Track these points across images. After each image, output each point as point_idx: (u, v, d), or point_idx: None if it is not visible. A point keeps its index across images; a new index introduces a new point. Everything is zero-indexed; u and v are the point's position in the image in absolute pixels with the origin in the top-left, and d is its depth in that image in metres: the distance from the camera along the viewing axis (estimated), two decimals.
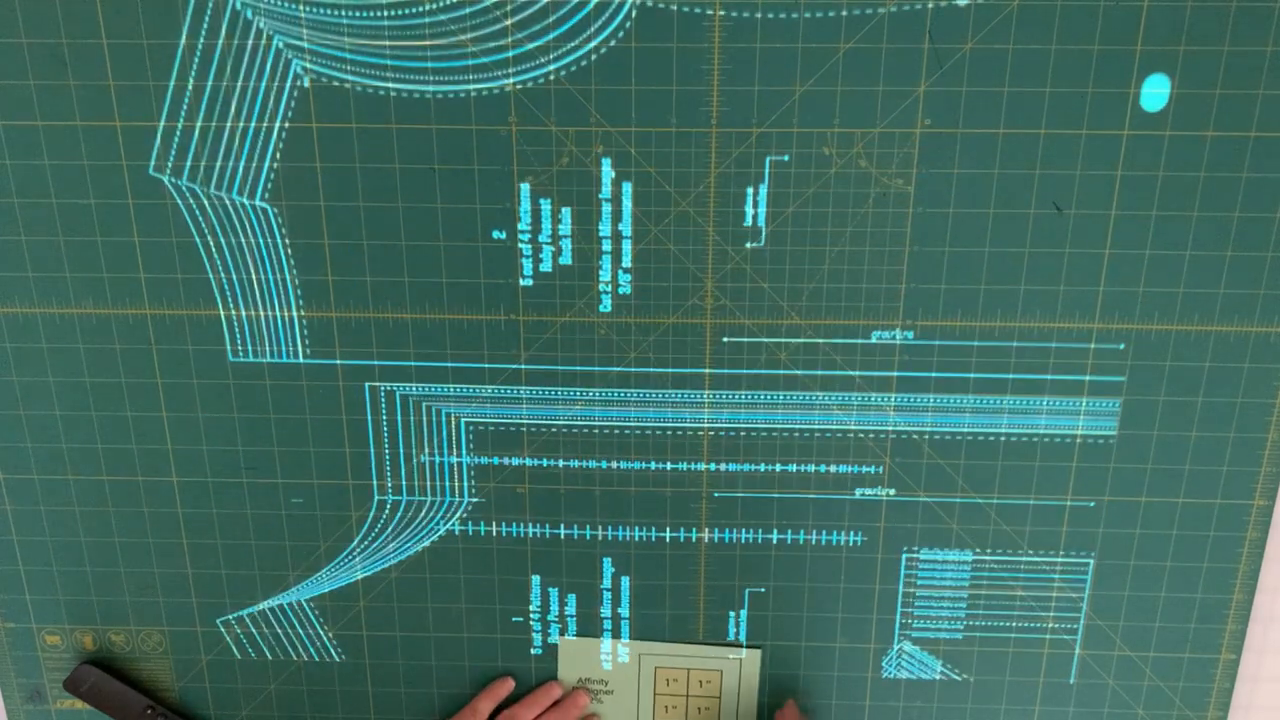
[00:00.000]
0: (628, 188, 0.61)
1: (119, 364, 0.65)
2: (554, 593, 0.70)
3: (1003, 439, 0.65)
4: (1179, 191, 0.59)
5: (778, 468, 0.66)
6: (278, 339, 0.64)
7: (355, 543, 0.69)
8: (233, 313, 0.64)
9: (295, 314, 0.64)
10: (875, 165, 0.60)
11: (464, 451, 0.67)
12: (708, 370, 0.64)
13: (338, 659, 0.72)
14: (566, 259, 0.62)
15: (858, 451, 0.66)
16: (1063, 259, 0.61)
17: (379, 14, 0.58)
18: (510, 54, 0.58)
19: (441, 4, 0.57)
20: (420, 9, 0.58)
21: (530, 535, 0.68)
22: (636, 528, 0.68)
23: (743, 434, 0.65)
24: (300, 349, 0.65)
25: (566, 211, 0.61)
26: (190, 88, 0.59)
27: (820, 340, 0.63)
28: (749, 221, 0.61)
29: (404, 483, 0.67)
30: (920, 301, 0.62)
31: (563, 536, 0.68)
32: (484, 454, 0.67)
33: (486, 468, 0.67)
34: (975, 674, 0.70)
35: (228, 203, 0.62)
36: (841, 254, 0.62)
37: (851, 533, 0.67)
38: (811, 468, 0.66)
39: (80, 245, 0.63)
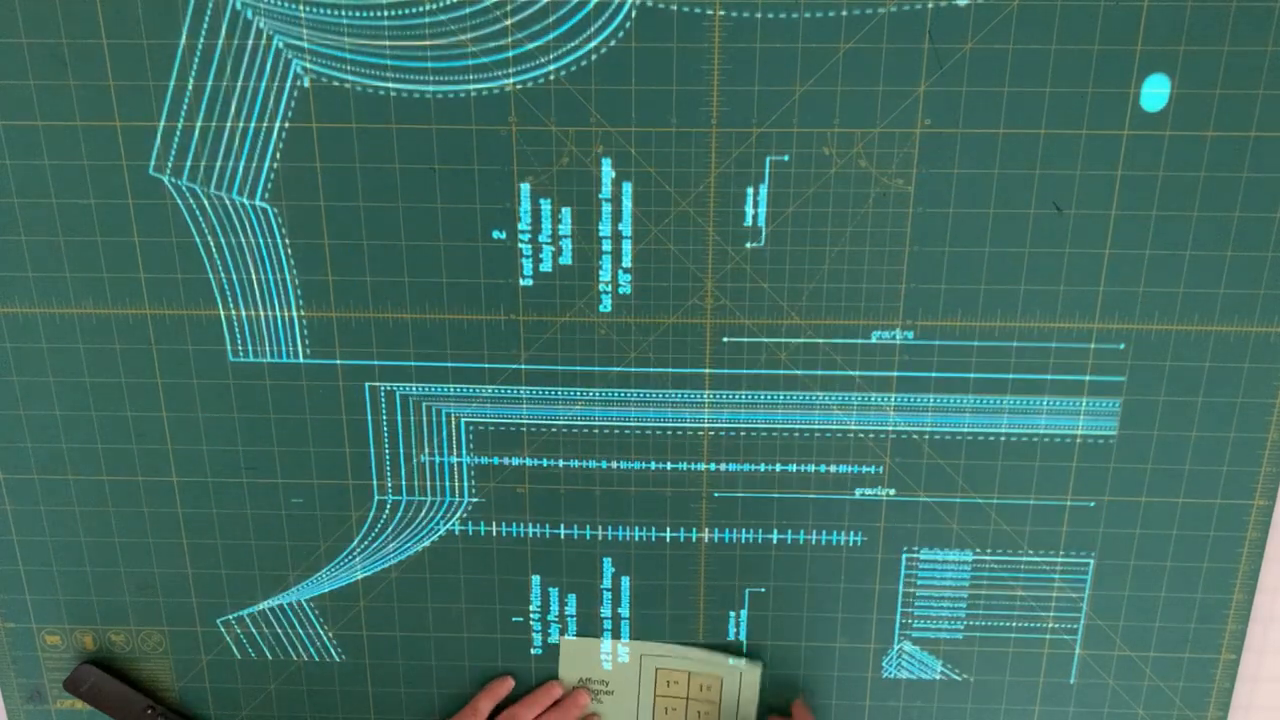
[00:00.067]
0: (628, 188, 0.61)
1: (119, 364, 0.65)
2: (554, 593, 0.70)
3: (1003, 439, 0.65)
4: (1179, 191, 0.59)
5: (778, 468, 0.66)
6: (278, 339, 0.64)
7: (355, 543, 0.69)
8: (233, 313, 0.64)
9: (295, 314, 0.64)
10: (875, 165, 0.60)
11: (464, 451, 0.67)
12: (708, 370, 0.64)
13: (338, 659, 0.72)
14: (566, 259, 0.62)
15: (858, 451, 0.66)
16: (1063, 259, 0.61)
17: (379, 14, 0.58)
18: (510, 54, 0.58)
19: (441, 4, 0.57)
20: (420, 9, 0.58)
21: (530, 535, 0.68)
22: (636, 528, 0.68)
23: (743, 434, 0.65)
24: (300, 349, 0.65)
25: (566, 211, 0.61)
26: (190, 88, 0.59)
27: (820, 340, 0.63)
28: (749, 221, 0.61)
29: (404, 483, 0.67)
30: (920, 301, 0.62)
31: (563, 536, 0.68)
32: (484, 454, 0.67)
33: (486, 468, 0.67)
34: (975, 674, 0.70)
35: (228, 203, 0.62)
36: (841, 254, 0.62)
37: (851, 533, 0.67)
38: (811, 468, 0.66)
39: (80, 245, 0.63)
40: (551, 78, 0.59)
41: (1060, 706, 0.70)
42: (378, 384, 0.65)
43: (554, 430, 0.66)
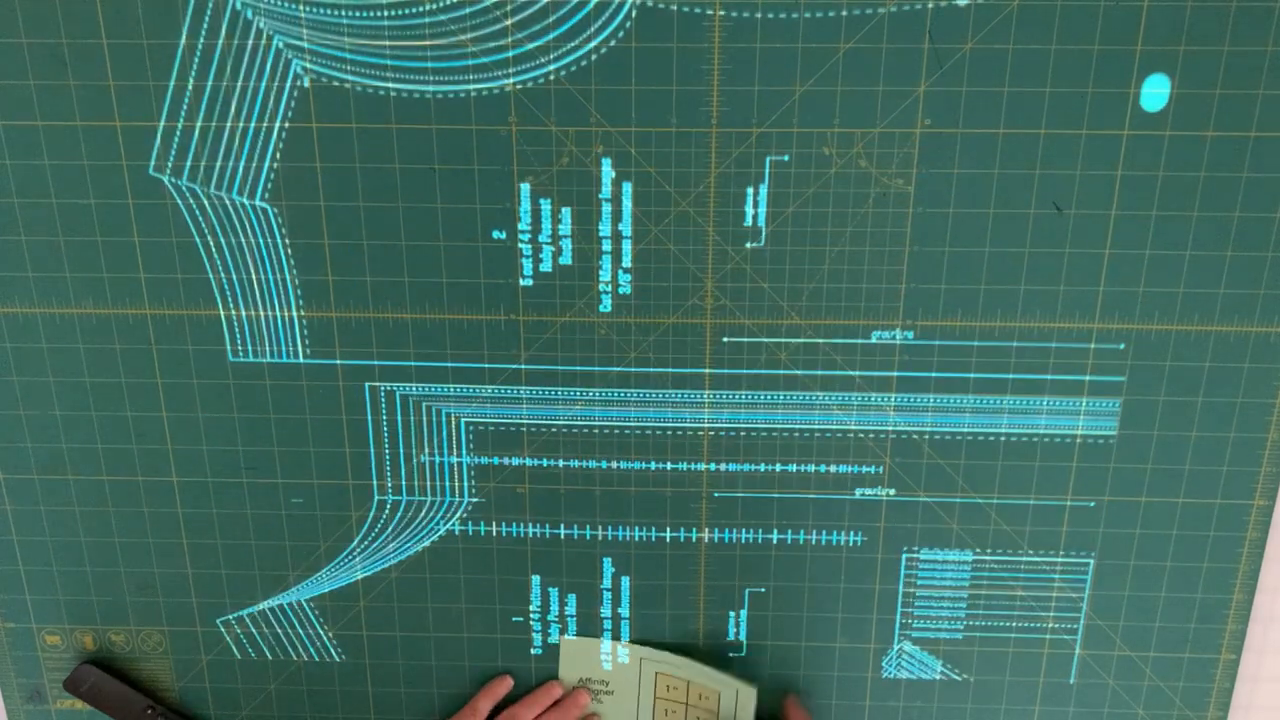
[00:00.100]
0: (628, 188, 0.61)
1: (119, 364, 0.65)
2: (554, 593, 0.70)
3: (1003, 439, 0.65)
4: (1179, 191, 0.59)
5: (778, 468, 0.66)
6: (278, 339, 0.64)
7: (355, 543, 0.69)
8: (233, 313, 0.64)
9: (295, 314, 0.64)
10: (875, 165, 0.60)
11: (464, 451, 0.67)
12: (708, 370, 0.64)
13: (338, 659, 0.72)
14: (566, 259, 0.62)
15: (858, 451, 0.66)
16: (1063, 259, 0.61)
17: (379, 14, 0.58)
18: (510, 54, 0.58)
19: (441, 4, 0.57)
20: (420, 9, 0.58)
21: (530, 535, 0.68)
22: (636, 528, 0.68)
23: (743, 434, 0.65)
24: (300, 349, 0.65)
25: (566, 211, 0.61)
26: (190, 88, 0.59)
27: (820, 340, 0.63)
28: (749, 221, 0.61)
29: (404, 483, 0.67)
30: (920, 301, 0.62)
31: (563, 536, 0.68)
32: (484, 454, 0.67)
33: (486, 468, 0.67)
34: (975, 674, 0.70)
35: (228, 203, 0.62)
36: (841, 254, 0.62)
37: (851, 533, 0.67)
38: (811, 468, 0.66)
39: (80, 245, 0.63)
40: (551, 78, 0.59)
41: (1060, 706, 0.70)
42: (378, 384, 0.65)
43: (554, 430, 0.66)
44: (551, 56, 0.58)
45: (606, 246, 0.62)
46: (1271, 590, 0.67)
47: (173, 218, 0.62)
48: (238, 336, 0.64)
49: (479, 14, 0.58)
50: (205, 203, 0.62)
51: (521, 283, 0.63)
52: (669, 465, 0.66)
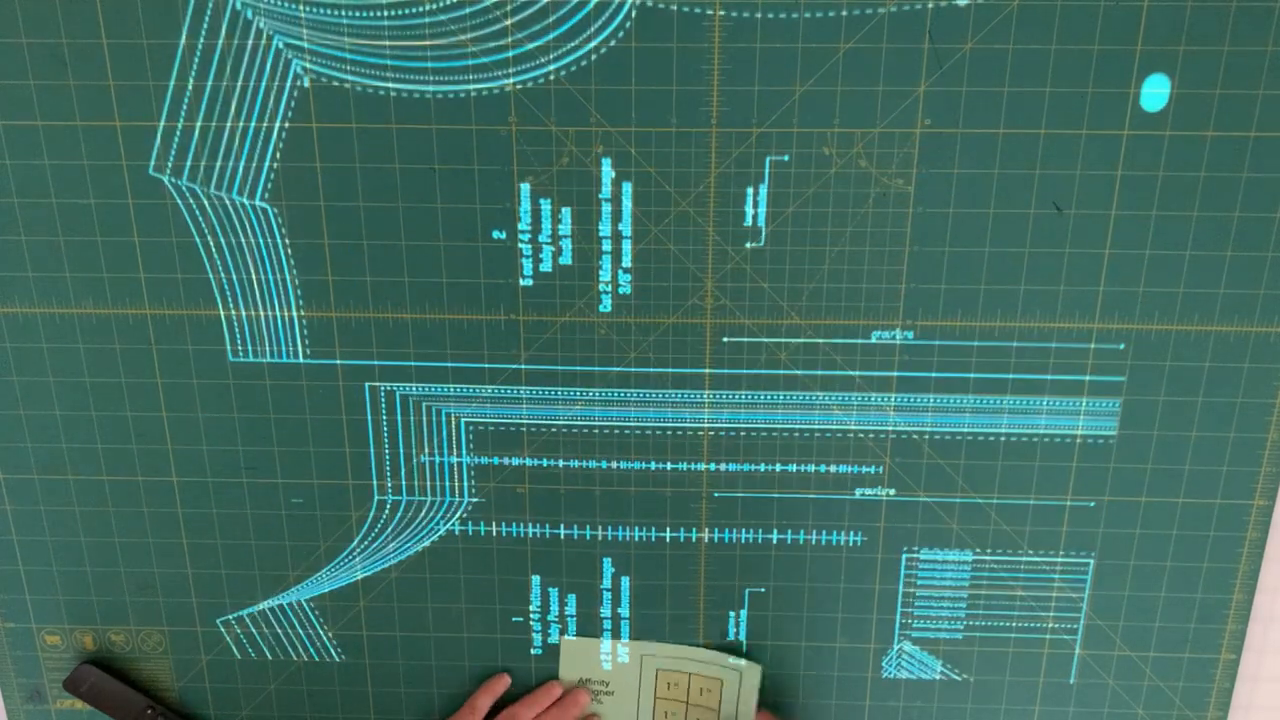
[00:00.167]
0: (628, 188, 0.61)
1: (119, 364, 0.65)
2: (554, 593, 0.70)
3: (1003, 439, 0.65)
4: (1179, 191, 0.59)
5: (778, 468, 0.66)
6: (278, 339, 0.64)
7: (355, 543, 0.69)
8: (233, 313, 0.64)
9: (295, 314, 0.64)
10: (875, 165, 0.60)
11: (464, 451, 0.67)
12: (708, 370, 0.64)
13: (338, 659, 0.72)
14: (566, 259, 0.62)
15: (858, 451, 0.66)
16: (1063, 259, 0.61)
17: (379, 14, 0.58)
18: (510, 54, 0.58)
19: (441, 4, 0.57)
20: (420, 9, 0.58)
21: (530, 535, 0.68)
22: (636, 528, 0.68)
23: (743, 434, 0.65)
24: (300, 349, 0.65)
25: (566, 211, 0.61)
26: (190, 88, 0.59)
27: (820, 340, 0.63)
28: (749, 221, 0.61)
29: (404, 483, 0.67)
30: (920, 301, 0.62)
31: (563, 536, 0.68)
32: (484, 454, 0.67)
33: (486, 468, 0.67)
34: (975, 674, 0.70)
35: (228, 203, 0.62)
36: (841, 254, 0.62)
37: (851, 533, 0.67)
38: (811, 468, 0.66)
39: (80, 245, 0.63)
40: (551, 78, 0.59)
41: (1060, 706, 0.70)
42: (378, 384, 0.65)
43: (554, 430, 0.66)
44: (551, 56, 0.58)
45: (606, 246, 0.62)
46: (1271, 590, 0.67)
47: (173, 218, 0.62)
48: (238, 336, 0.64)
49: (479, 14, 0.58)
50: (205, 203, 0.62)
51: (521, 283, 0.63)
52: (669, 465, 0.66)
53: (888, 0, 0.56)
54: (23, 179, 0.61)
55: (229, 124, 0.60)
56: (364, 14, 0.58)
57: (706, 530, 0.68)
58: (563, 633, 0.71)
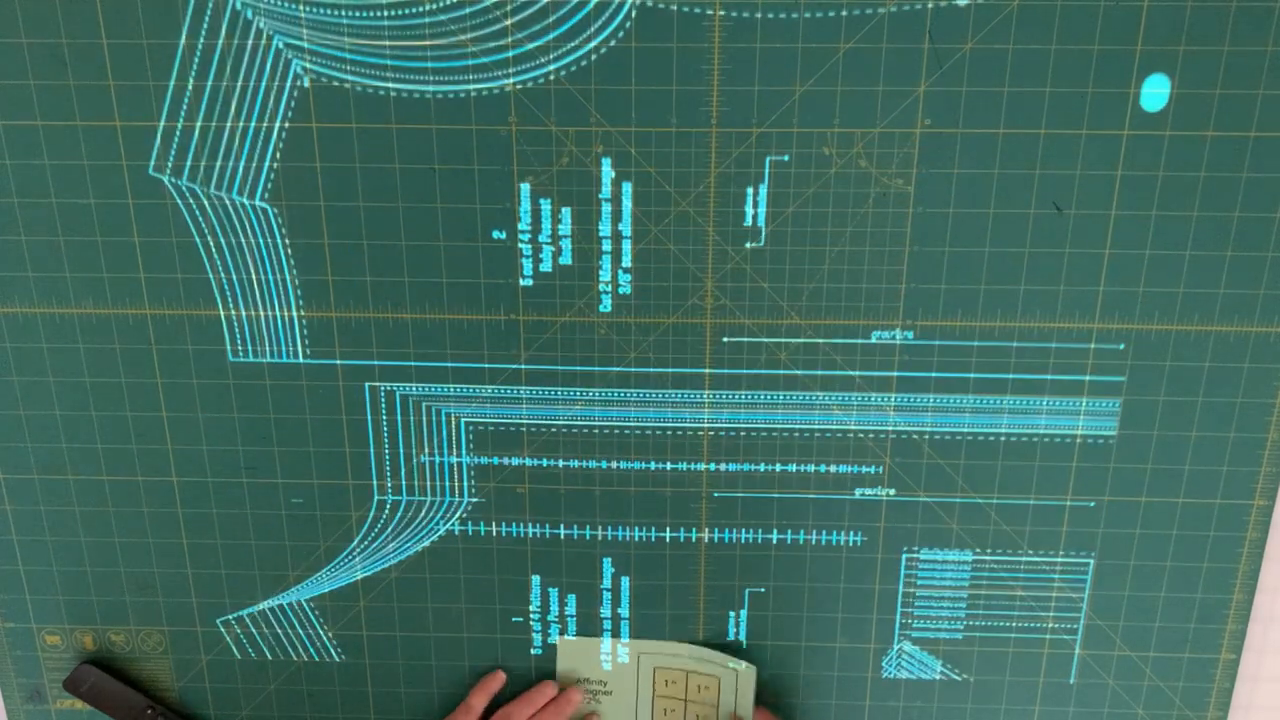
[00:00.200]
0: (628, 188, 0.61)
1: (119, 364, 0.65)
2: (554, 593, 0.70)
3: (1003, 439, 0.65)
4: (1179, 191, 0.59)
5: (778, 468, 0.66)
6: (278, 339, 0.64)
7: (355, 543, 0.69)
8: (233, 313, 0.64)
9: (295, 314, 0.64)
10: (875, 165, 0.60)
11: (464, 451, 0.67)
12: (708, 370, 0.64)
13: (338, 659, 0.72)
14: (566, 259, 0.62)
15: (858, 451, 0.66)
16: (1063, 259, 0.61)
17: (379, 14, 0.58)
18: (510, 54, 0.58)
19: (441, 4, 0.57)
20: (420, 9, 0.58)
21: (530, 535, 0.68)
22: (636, 528, 0.68)
23: (743, 434, 0.65)
24: (300, 349, 0.65)
25: (566, 211, 0.61)
26: (190, 88, 0.59)
27: (820, 340, 0.63)
28: (749, 221, 0.61)
29: (404, 483, 0.67)
30: (920, 301, 0.62)
31: (563, 536, 0.68)
32: (484, 454, 0.67)
33: (486, 468, 0.67)
34: (975, 674, 0.70)
35: (228, 203, 0.62)
36: (841, 254, 0.62)
37: (851, 533, 0.67)
38: (811, 468, 0.66)
39: (80, 245, 0.63)
40: (551, 78, 0.59)
41: (1060, 706, 0.70)
42: (378, 384, 0.65)
43: (554, 430, 0.66)
44: (551, 56, 0.58)
45: (606, 246, 0.62)
46: (1271, 590, 0.67)
47: (173, 218, 0.62)
48: (238, 336, 0.64)
49: (479, 14, 0.58)
50: (205, 203, 0.62)
51: (521, 283, 0.63)
52: (669, 465, 0.66)
53: (888, 0, 0.56)
54: (23, 179, 0.61)
55: (229, 124, 0.60)
56: (364, 14, 0.58)
57: (706, 530, 0.68)
58: (563, 633, 0.71)
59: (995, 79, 0.58)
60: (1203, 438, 0.64)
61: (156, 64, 0.59)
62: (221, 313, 0.64)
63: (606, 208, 0.61)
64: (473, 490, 0.67)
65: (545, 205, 0.61)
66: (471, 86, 0.59)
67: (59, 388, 0.66)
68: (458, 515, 0.68)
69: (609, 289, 0.63)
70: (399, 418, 0.66)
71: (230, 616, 0.71)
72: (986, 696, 0.70)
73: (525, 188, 0.61)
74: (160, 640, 0.72)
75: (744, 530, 0.68)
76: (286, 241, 0.62)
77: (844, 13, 0.57)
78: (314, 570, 0.69)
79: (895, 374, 0.64)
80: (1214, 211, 0.60)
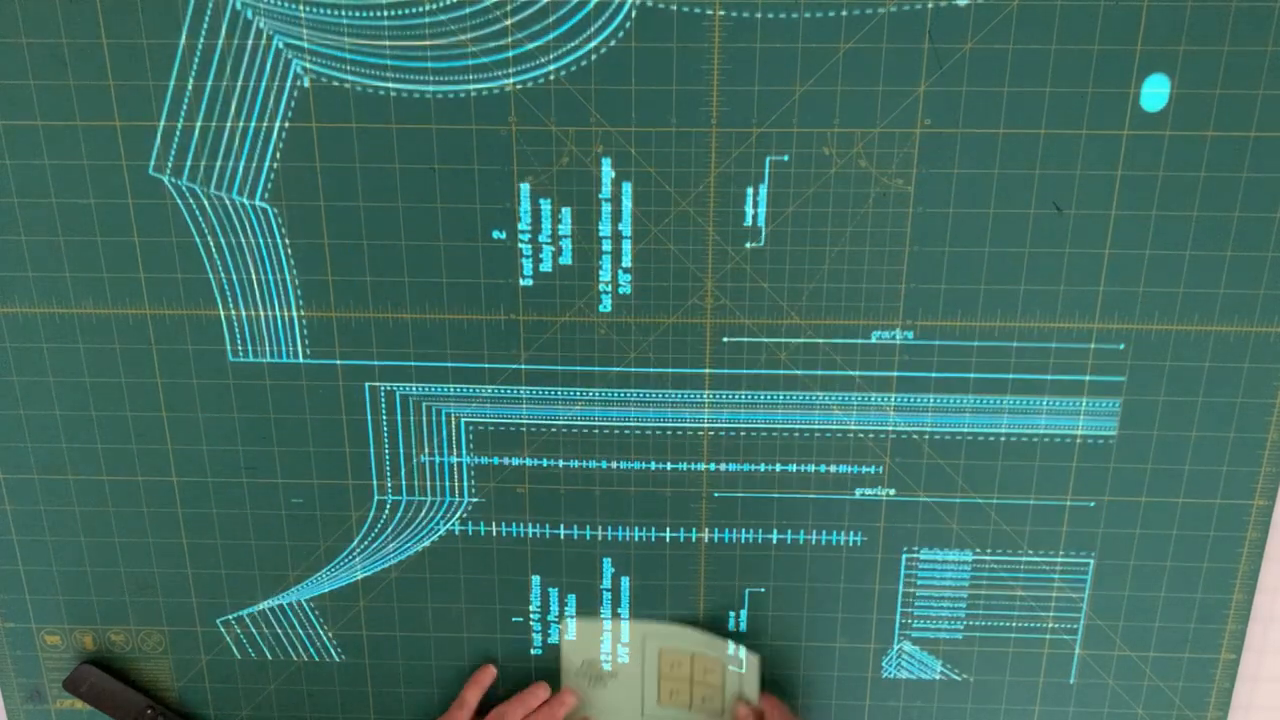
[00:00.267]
0: (628, 188, 0.61)
1: (119, 364, 0.65)
2: (554, 593, 0.70)
3: (1003, 439, 0.65)
4: (1179, 191, 0.59)
5: (778, 468, 0.66)
6: (278, 339, 0.64)
7: (355, 543, 0.69)
8: (233, 313, 0.64)
9: (295, 314, 0.64)
10: (875, 165, 0.60)
11: (464, 451, 0.67)
12: (708, 370, 0.64)
13: (338, 659, 0.72)
14: (566, 259, 0.62)
15: (858, 451, 0.66)
16: (1063, 259, 0.61)
17: (379, 14, 0.58)
18: (510, 54, 0.58)
19: (441, 4, 0.57)
20: (420, 9, 0.58)
21: (530, 535, 0.68)
22: (636, 528, 0.68)
23: (743, 434, 0.65)
24: (300, 349, 0.65)
25: (566, 211, 0.61)
26: (190, 88, 0.59)
27: (820, 340, 0.63)
28: (749, 221, 0.61)
29: (404, 483, 0.67)
30: (920, 301, 0.62)
31: (563, 536, 0.68)
32: (484, 454, 0.67)
33: (486, 468, 0.67)
34: (975, 674, 0.70)
35: (228, 203, 0.62)
36: (841, 254, 0.62)
37: (851, 533, 0.67)
38: (811, 468, 0.66)
39: (80, 245, 0.63)
40: (551, 78, 0.59)
41: (1060, 706, 0.70)
42: (378, 384, 0.65)
43: (554, 430, 0.66)
44: (551, 56, 0.58)
45: (606, 246, 0.62)
46: (1271, 590, 0.67)
47: (173, 218, 0.62)
48: (238, 336, 0.64)
49: (479, 14, 0.58)
50: (205, 203, 0.62)
51: (521, 283, 0.63)
52: (669, 465, 0.66)
53: (888, 0, 0.56)
54: (23, 179, 0.61)
55: (229, 124, 0.60)
56: (364, 14, 0.58)
57: (706, 530, 0.68)
58: (563, 633, 0.71)
59: (995, 79, 0.58)
60: (1203, 438, 0.64)
61: (156, 64, 0.59)
62: (221, 313, 0.64)
63: (606, 208, 0.61)
64: (473, 490, 0.67)
65: (545, 205, 0.61)
66: (471, 86, 0.59)
67: (59, 388, 0.66)
68: (458, 515, 0.68)
69: (609, 289, 0.63)
70: (399, 418, 0.66)
71: (230, 616, 0.71)
72: (986, 696, 0.70)
73: (525, 188, 0.61)
74: (160, 640, 0.72)
75: (744, 530, 0.68)
76: (286, 241, 0.62)
77: (844, 13, 0.57)
78: (314, 570, 0.69)
79: (895, 374, 0.64)
80: (1214, 211, 0.60)
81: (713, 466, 0.66)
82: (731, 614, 0.70)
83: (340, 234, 0.62)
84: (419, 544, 0.69)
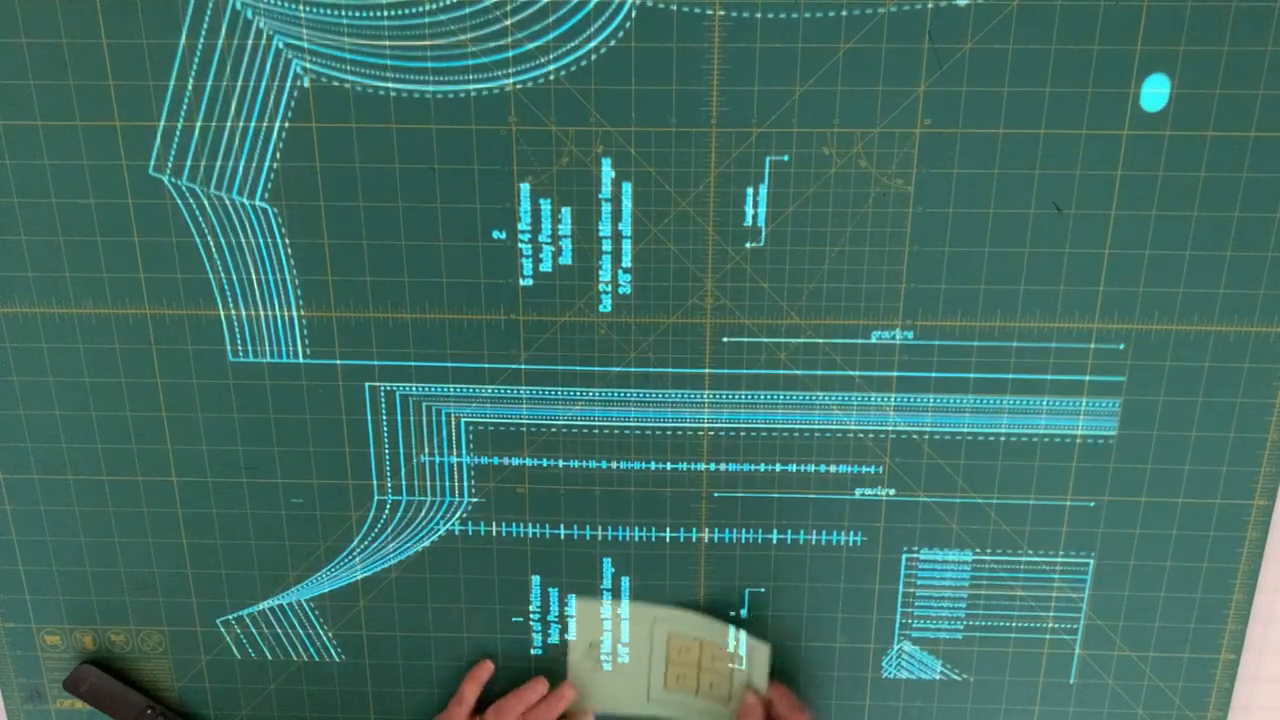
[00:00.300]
0: (628, 188, 0.61)
1: (119, 364, 0.65)
2: (554, 593, 0.70)
3: (1003, 439, 0.65)
4: (1179, 191, 0.59)
5: (778, 468, 0.66)
6: (278, 339, 0.64)
7: (355, 543, 0.69)
8: (233, 313, 0.64)
9: (295, 314, 0.64)
10: (875, 165, 0.60)
11: (464, 451, 0.67)
12: (708, 370, 0.64)
13: (338, 659, 0.72)
14: (566, 259, 0.62)
15: (858, 451, 0.66)
16: (1063, 259, 0.61)
17: (379, 14, 0.58)
18: (510, 54, 0.58)
19: (441, 4, 0.57)
20: (420, 9, 0.58)
21: (530, 535, 0.68)
22: (636, 528, 0.68)
23: (743, 434, 0.65)
24: (300, 349, 0.65)
25: (566, 211, 0.61)
26: (190, 88, 0.59)
27: (820, 340, 0.63)
28: (749, 221, 0.61)
29: (404, 483, 0.67)
30: (920, 301, 0.62)
31: (563, 536, 0.68)
32: (484, 454, 0.67)
33: (486, 468, 0.67)
34: (975, 674, 0.70)
35: (228, 203, 0.62)
36: (841, 254, 0.62)
37: (851, 533, 0.67)
38: (811, 468, 0.66)
39: (80, 245, 0.63)
40: (551, 78, 0.59)
41: (1060, 706, 0.70)
42: (378, 384, 0.65)
43: (554, 430, 0.66)
44: (551, 56, 0.58)
45: (606, 246, 0.62)
46: (1271, 590, 0.67)
47: (173, 218, 0.62)
48: (238, 336, 0.64)
49: (479, 14, 0.58)
50: (205, 203, 0.62)
51: (521, 283, 0.63)
52: (669, 465, 0.66)
53: (888, 0, 0.56)
54: (23, 179, 0.61)
55: (229, 124, 0.60)
56: (364, 14, 0.58)
57: (706, 530, 0.68)
58: (563, 633, 0.71)
59: (995, 79, 0.58)
60: (1203, 438, 0.64)
61: (156, 64, 0.59)
62: (221, 313, 0.64)
63: (606, 208, 0.61)
64: (473, 490, 0.67)
65: (545, 205, 0.61)
66: (471, 86, 0.59)
67: (59, 388, 0.66)
68: (458, 515, 0.68)
69: (609, 289, 0.63)
70: (399, 418, 0.66)
71: (230, 616, 0.71)
72: (986, 696, 0.70)
73: (525, 188, 0.61)
74: (160, 640, 0.72)
75: (744, 530, 0.68)
76: (286, 241, 0.62)
77: (844, 13, 0.57)
78: (314, 570, 0.69)
79: (895, 374, 0.64)
80: (1214, 211, 0.60)
81: (713, 466, 0.66)
82: (731, 614, 0.69)
83: (340, 234, 0.62)
84: (419, 544, 0.69)
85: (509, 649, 0.71)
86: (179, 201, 0.62)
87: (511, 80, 0.59)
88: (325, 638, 0.71)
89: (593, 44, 0.58)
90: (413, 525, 0.68)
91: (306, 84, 0.59)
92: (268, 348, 0.65)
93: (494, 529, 0.68)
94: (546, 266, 0.62)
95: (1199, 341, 0.62)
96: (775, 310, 0.63)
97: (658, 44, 0.58)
